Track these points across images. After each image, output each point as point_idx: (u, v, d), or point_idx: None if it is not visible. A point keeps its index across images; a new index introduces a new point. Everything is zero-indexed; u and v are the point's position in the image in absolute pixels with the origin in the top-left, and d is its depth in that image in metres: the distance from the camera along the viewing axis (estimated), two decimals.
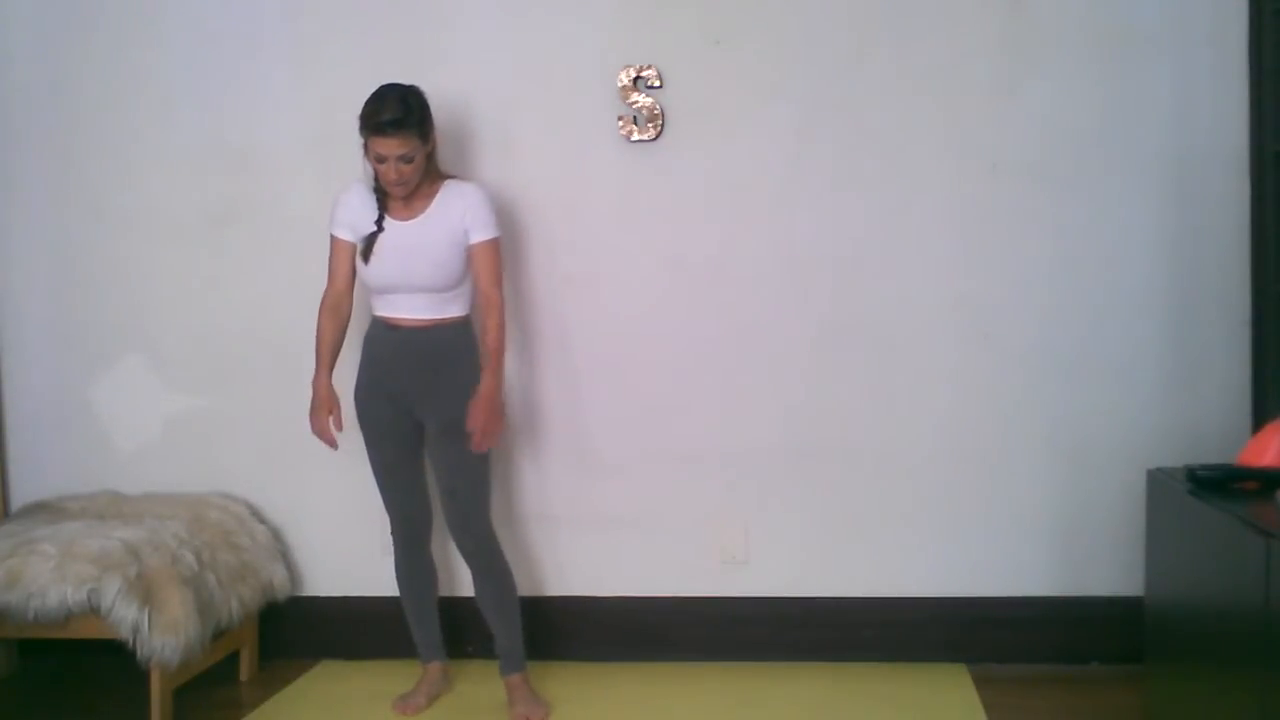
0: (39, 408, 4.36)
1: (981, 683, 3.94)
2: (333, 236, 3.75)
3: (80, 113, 4.27)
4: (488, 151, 4.11)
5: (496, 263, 3.71)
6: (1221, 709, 2.97)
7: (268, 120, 4.21)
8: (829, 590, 4.13)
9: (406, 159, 3.56)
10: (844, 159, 4.03)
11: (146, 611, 3.61)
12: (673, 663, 4.16)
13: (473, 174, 3.97)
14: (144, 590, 3.63)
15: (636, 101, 4.05)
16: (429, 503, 3.87)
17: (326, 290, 3.76)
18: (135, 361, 4.32)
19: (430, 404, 3.70)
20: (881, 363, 4.07)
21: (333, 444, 3.77)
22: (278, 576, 4.17)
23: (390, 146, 3.53)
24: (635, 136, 4.06)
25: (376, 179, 3.64)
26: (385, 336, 3.72)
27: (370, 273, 3.68)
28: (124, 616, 3.58)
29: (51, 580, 3.60)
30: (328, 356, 3.76)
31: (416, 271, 3.64)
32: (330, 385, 3.74)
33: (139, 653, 3.61)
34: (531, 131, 4.12)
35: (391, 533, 3.87)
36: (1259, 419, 3.76)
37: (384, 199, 3.67)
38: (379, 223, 3.66)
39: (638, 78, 4.04)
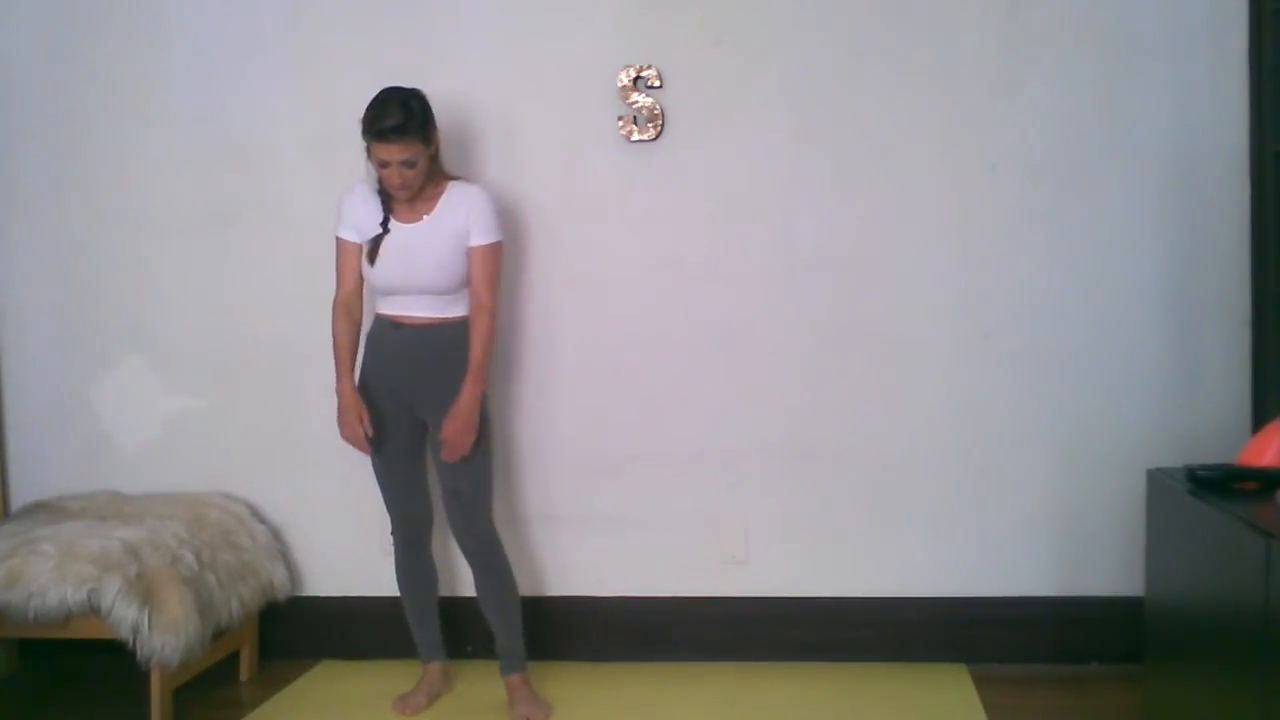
0: (39, 408, 4.36)
1: (981, 683, 3.94)
2: (339, 238, 3.75)
3: (81, 112, 4.27)
4: (487, 152, 4.11)
5: (493, 267, 3.70)
6: (1221, 709, 2.97)
7: (269, 120, 4.21)
8: (829, 590, 4.13)
9: (409, 164, 3.56)
10: (844, 159, 4.03)
11: (146, 611, 3.61)
12: (673, 663, 4.16)
13: (472, 174, 3.97)
14: (144, 590, 3.63)
15: (636, 101, 4.05)
16: (430, 502, 3.87)
17: (337, 293, 3.76)
18: (135, 361, 4.32)
19: (433, 403, 3.70)
20: (881, 363, 4.07)
21: (365, 449, 3.74)
22: (278, 576, 4.17)
23: (393, 152, 3.53)
24: (635, 136, 4.06)
25: (380, 181, 3.64)
26: (389, 335, 3.72)
27: (375, 274, 3.68)
28: (124, 616, 3.58)
29: (51, 580, 3.60)
30: (348, 361, 3.75)
31: (421, 273, 3.64)
32: (354, 390, 3.72)
33: (139, 653, 3.61)
34: (531, 132, 4.12)
35: (392, 532, 3.87)
36: (1259, 419, 3.76)
37: (388, 200, 3.67)
38: (384, 225, 3.66)
39: (638, 78, 4.05)
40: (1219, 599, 2.97)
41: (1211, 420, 3.92)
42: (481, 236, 3.67)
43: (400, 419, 3.74)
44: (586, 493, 4.18)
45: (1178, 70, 3.91)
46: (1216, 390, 3.94)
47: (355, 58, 4.12)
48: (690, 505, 4.15)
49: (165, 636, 3.62)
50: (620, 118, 4.06)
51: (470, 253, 3.68)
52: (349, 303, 3.76)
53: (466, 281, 3.70)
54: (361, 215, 3.70)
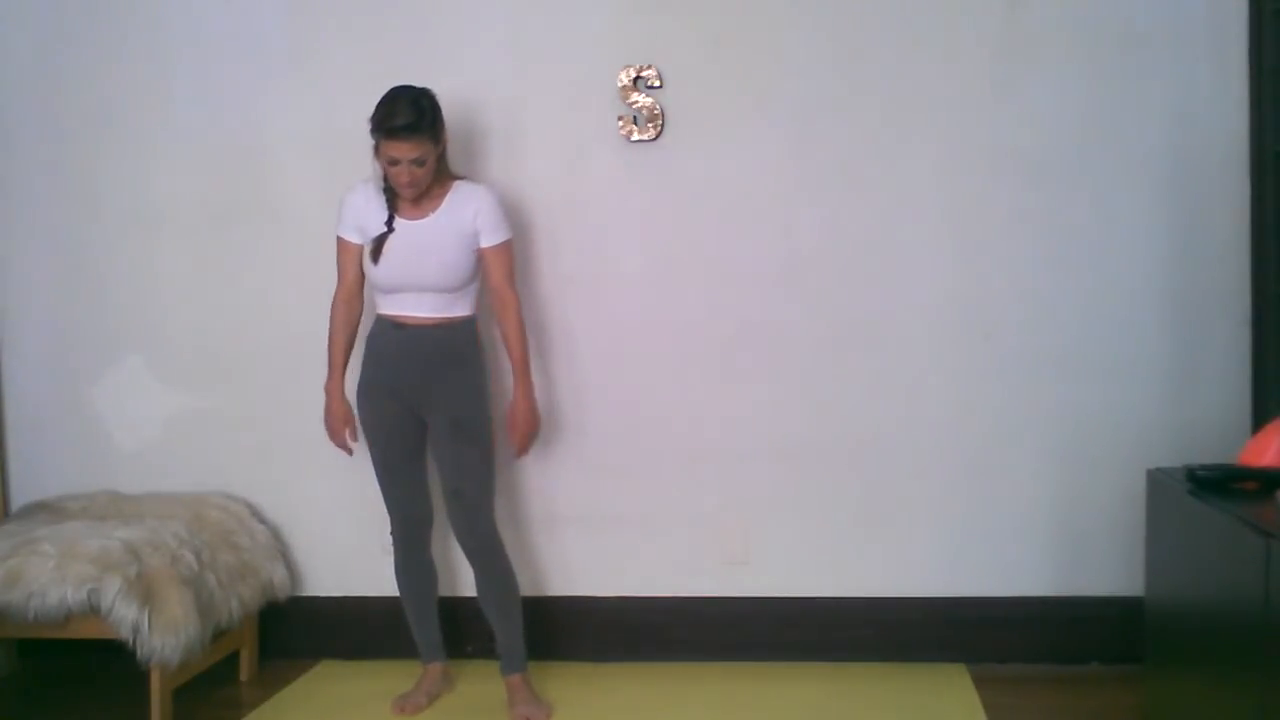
0: (39, 408, 4.36)
1: (981, 683, 3.94)
2: (340, 239, 3.75)
3: (81, 112, 4.27)
4: (488, 151, 4.11)
5: (510, 263, 3.73)
6: (1221, 709, 2.97)
7: (269, 120, 4.21)
8: (829, 590, 4.13)
9: (419, 162, 3.56)
10: (843, 159, 4.03)
11: (146, 611, 3.60)
12: (673, 663, 4.16)
13: (473, 174, 3.97)
14: (144, 590, 3.63)
15: (636, 101, 4.05)
16: (430, 503, 3.87)
17: (336, 293, 3.77)
18: (135, 361, 4.32)
19: (435, 403, 3.70)
20: (881, 362, 4.07)
21: (349, 451, 3.80)
22: (278, 576, 4.17)
23: (403, 150, 3.54)
24: (635, 136, 4.06)
25: (386, 179, 3.64)
26: (391, 335, 3.72)
27: (379, 272, 3.68)
28: (124, 616, 3.58)
29: (51, 580, 3.60)
30: (341, 361, 3.77)
31: (425, 271, 3.64)
32: (344, 392, 3.76)
33: (139, 653, 3.61)
34: (531, 131, 4.12)
35: (391, 532, 3.87)
36: (1259, 419, 3.76)
37: (393, 199, 3.67)
38: (389, 223, 3.66)
39: (638, 78, 4.05)
40: (1219, 599, 2.97)
41: (1211, 420, 3.92)
42: (493, 236, 3.69)
43: (401, 419, 3.74)
44: (587, 493, 4.18)
45: (1178, 70, 3.91)
46: (1216, 390, 3.94)
47: (356, 58, 4.12)
48: (690, 505, 4.15)
49: (165, 636, 3.62)
50: (620, 118, 4.06)
51: (484, 253, 3.69)
52: (348, 302, 3.77)
53: (471, 280, 3.71)
54: (365, 214, 3.70)
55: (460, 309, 3.72)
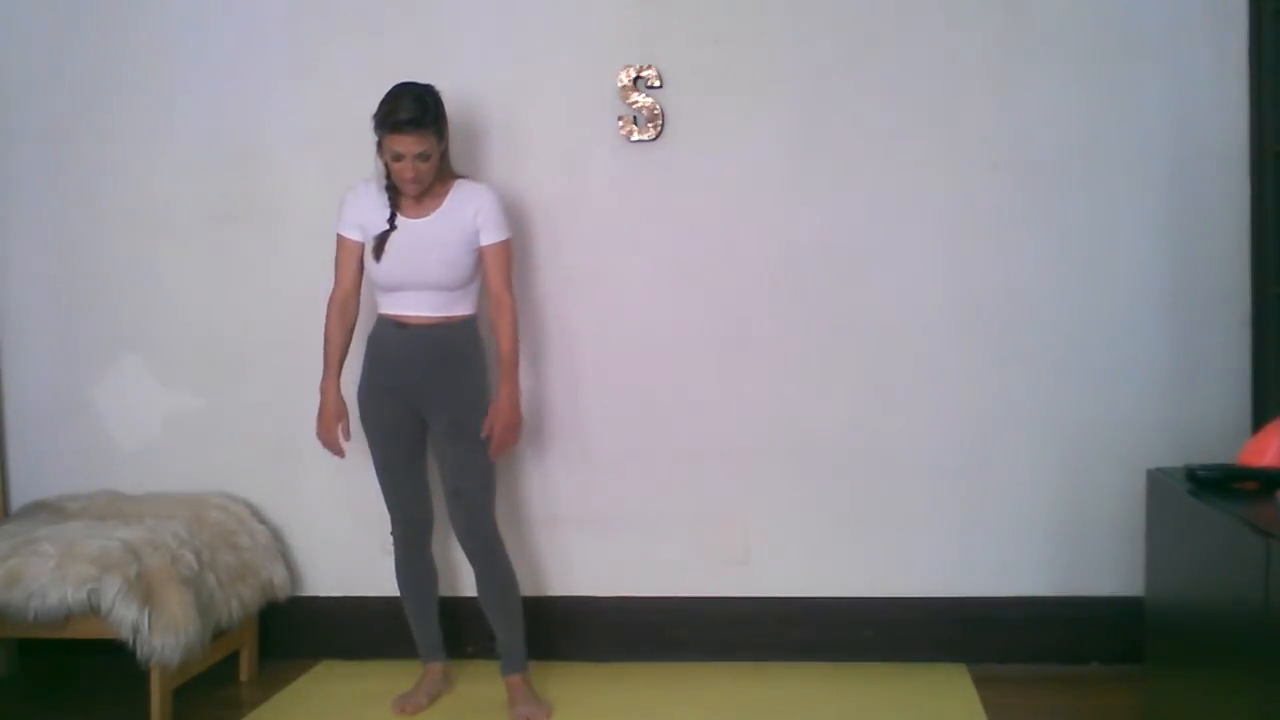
0: (39, 408, 4.36)
1: (981, 683, 3.94)
2: (340, 236, 3.76)
3: (81, 112, 4.27)
4: (488, 151, 4.11)
5: (508, 264, 3.73)
6: (1221, 709, 2.97)
7: (269, 120, 4.21)
8: (829, 590, 4.13)
9: (423, 157, 3.57)
10: (843, 159, 4.03)
11: (146, 611, 3.61)
12: (673, 663, 4.16)
13: (472, 174, 3.97)
14: (144, 590, 3.63)
15: (636, 101, 4.05)
16: (430, 503, 3.87)
17: (334, 291, 3.77)
18: (135, 361, 4.32)
19: (436, 403, 3.70)
20: (881, 362, 4.07)
21: (340, 453, 3.79)
22: (278, 576, 4.17)
23: (408, 145, 3.54)
24: (635, 136, 4.06)
25: (389, 176, 3.64)
26: (392, 335, 3.72)
27: (381, 269, 3.68)
28: (124, 616, 3.58)
29: (51, 580, 3.60)
30: (336, 360, 3.77)
31: (427, 269, 3.64)
32: (339, 392, 3.76)
33: (139, 653, 3.61)
34: (531, 131, 4.12)
35: (392, 532, 3.87)
36: (1259, 419, 3.76)
37: (395, 196, 3.68)
38: (391, 220, 3.66)
39: (638, 78, 4.05)
40: (1219, 599, 2.97)
41: (1211, 420, 3.92)
42: (493, 235, 3.69)
43: (402, 419, 3.74)
44: (587, 493, 4.18)
45: (1178, 70, 3.91)
46: (1216, 390, 3.94)
47: (356, 58, 4.12)
48: (690, 505, 4.15)
49: (165, 636, 3.62)
50: (620, 118, 4.06)
51: (483, 252, 3.69)
52: (345, 301, 3.77)
53: (472, 279, 3.71)
54: (366, 212, 3.70)
55: (461, 308, 3.72)
